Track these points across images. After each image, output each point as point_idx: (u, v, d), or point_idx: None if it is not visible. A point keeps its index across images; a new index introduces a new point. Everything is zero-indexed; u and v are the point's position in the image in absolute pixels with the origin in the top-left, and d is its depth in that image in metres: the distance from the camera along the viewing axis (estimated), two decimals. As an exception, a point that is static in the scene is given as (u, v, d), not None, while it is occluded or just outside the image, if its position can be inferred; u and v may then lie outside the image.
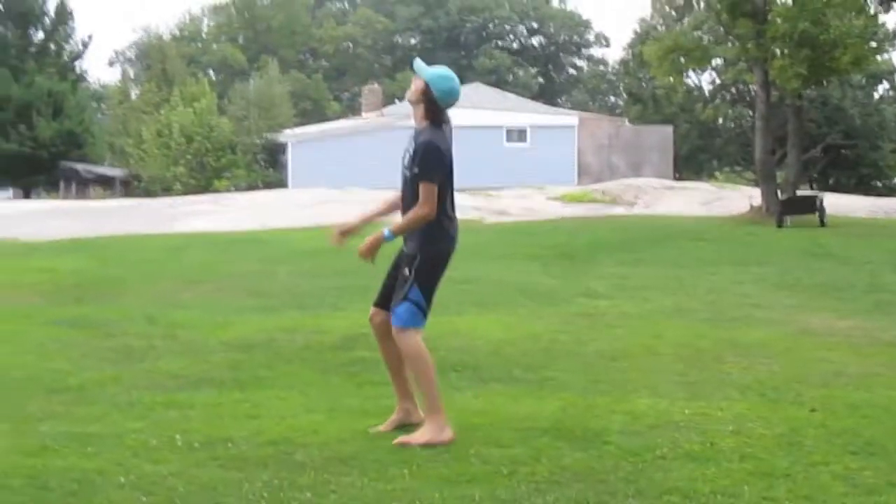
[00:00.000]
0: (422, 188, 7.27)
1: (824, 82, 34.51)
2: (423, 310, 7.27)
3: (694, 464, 6.37)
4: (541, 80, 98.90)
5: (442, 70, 7.66)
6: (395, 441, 6.95)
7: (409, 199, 7.41)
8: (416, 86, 7.47)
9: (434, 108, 7.45)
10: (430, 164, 7.36)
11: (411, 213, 7.36)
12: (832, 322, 12.72)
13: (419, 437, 6.97)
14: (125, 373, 9.36)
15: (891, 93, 55.58)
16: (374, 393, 8.43)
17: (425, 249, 7.34)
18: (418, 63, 7.60)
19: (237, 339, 10.83)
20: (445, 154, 7.46)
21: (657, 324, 12.32)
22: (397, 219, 7.52)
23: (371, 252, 7.34)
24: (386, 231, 7.31)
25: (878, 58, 40.42)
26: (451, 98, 7.51)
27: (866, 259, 19.74)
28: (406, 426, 7.19)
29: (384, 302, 7.46)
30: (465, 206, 35.10)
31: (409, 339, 7.19)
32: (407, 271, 7.28)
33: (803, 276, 17.33)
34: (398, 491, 5.82)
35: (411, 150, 7.44)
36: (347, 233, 7.74)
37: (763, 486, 5.94)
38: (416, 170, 7.34)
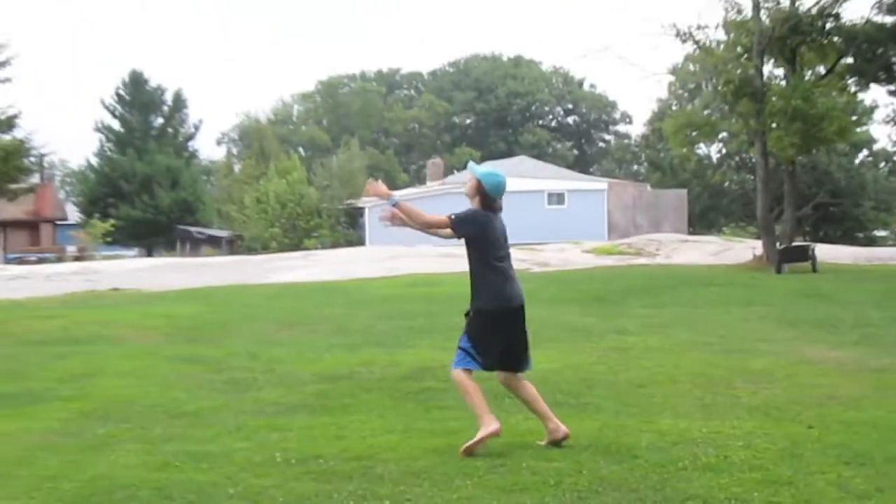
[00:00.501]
0: (449, 217, 7.64)
1: (814, 151, 34.26)
2: (471, 355, 7.49)
3: (711, 474, 6.38)
4: (575, 151, 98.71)
5: (491, 169, 8.02)
6: (461, 450, 7.12)
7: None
8: (471, 183, 7.79)
9: (487, 199, 7.71)
10: (463, 217, 7.67)
11: (428, 217, 7.82)
12: (825, 352, 12.62)
13: (476, 438, 7.20)
14: (233, 401, 9.45)
15: (869, 159, 55.20)
16: (441, 416, 8.49)
17: (473, 306, 7.72)
18: (471, 164, 8.02)
19: (325, 372, 10.88)
20: (484, 222, 7.67)
21: (677, 356, 12.26)
22: (417, 209, 7.87)
23: (374, 188, 7.83)
24: (396, 197, 7.88)
25: (859, 129, 40.16)
26: (499, 191, 7.77)
27: (853, 299, 19.54)
28: (557, 441, 7.35)
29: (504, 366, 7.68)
30: (515, 257, 35.04)
31: (455, 374, 7.55)
32: (469, 318, 7.71)
33: (800, 314, 17.17)
34: (462, 499, 5.88)
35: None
36: (382, 190, 7.82)
37: (769, 493, 5.97)
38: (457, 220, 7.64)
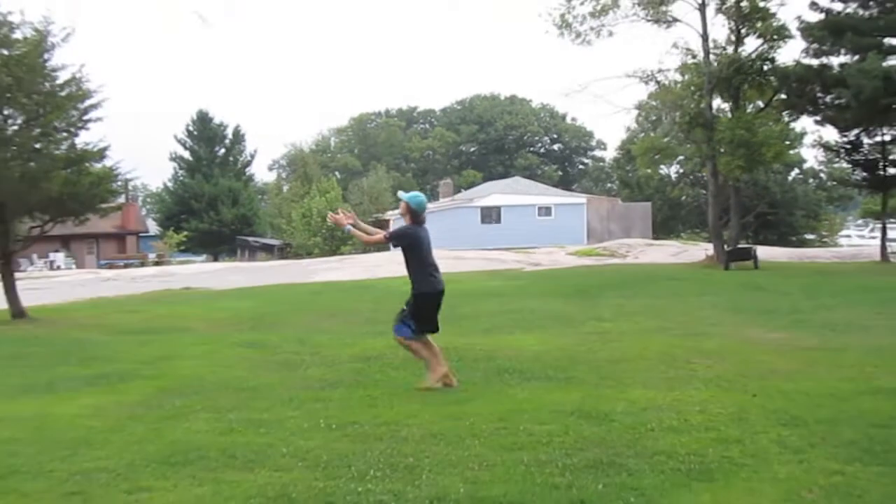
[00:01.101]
0: (385, 234, 8.96)
1: (755, 170, 34.18)
2: (407, 325, 8.59)
3: (673, 434, 6.39)
4: (560, 172, 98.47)
5: (414, 193, 8.98)
6: (421, 387, 8.46)
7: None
8: (402, 207, 8.82)
9: (414, 215, 8.71)
10: (397, 234, 8.91)
11: (370, 238, 8.97)
12: (765, 334, 12.59)
13: (425, 383, 8.50)
14: (285, 378, 9.46)
15: (800, 176, 55.09)
16: (452, 389, 8.47)
17: (415, 292, 8.67)
18: (400, 193, 8.98)
19: (359, 354, 10.86)
20: (414, 237, 8.67)
21: (645, 338, 12.24)
22: (364, 230, 9.07)
23: (334, 219, 9.08)
24: (349, 227, 8.91)
25: (791, 152, 40.13)
26: (422, 207, 8.78)
27: (786, 290, 19.51)
28: (450, 384, 8.55)
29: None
30: (510, 259, 35.35)
31: (399, 340, 8.75)
32: (406, 306, 8.68)
33: (744, 303, 17.14)
34: (472, 456, 5.88)
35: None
36: (340, 220, 8.97)
37: (721, 449, 5.97)
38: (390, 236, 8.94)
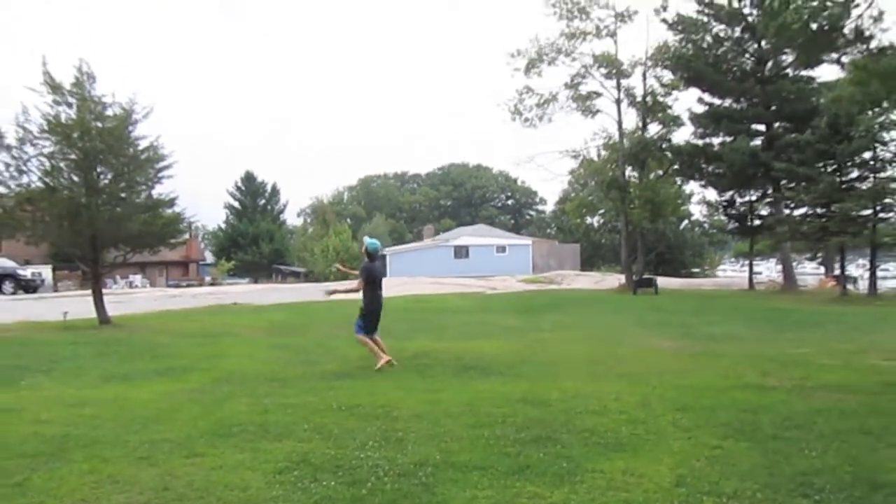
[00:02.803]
0: (358, 281, 9.60)
1: (657, 221, 34.52)
2: (363, 328, 9.59)
3: (596, 416, 6.37)
4: (513, 221, 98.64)
5: (369, 239, 9.95)
6: (376, 367, 9.29)
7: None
8: (362, 248, 9.88)
9: (367, 254, 9.69)
10: (361, 272, 9.60)
11: (352, 286, 9.78)
12: (662, 342, 12.65)
13: (379, 364, 9.29)
14: (306, 371, 9.40)
15: (688, 225, 55.59)
16: (432, 381, 8.48)
17: (364, 305, 9.63)
18: (364, 238, 10.05)
19: (363, 354, 10.79)
20: (369, 270, 9.57)
21: (574, 345, 12.27)
22: (348, 288, 10.13)
23: (340, 268, 11.85)
24: (338, 296, 11.20)
25: (683, 208, 40.74)
26: (373, 249, 9.69)
27: (679, 309, 19.63)
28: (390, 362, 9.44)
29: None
30: (476, 285, 35.41)
31: (358, 337, 9.67)
32: (360, 311, 9.66)
33: (647, 319, 17.22)
34: (446, 431, 5.83)
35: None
36: (334, 291, 10.69)
37: (631, 428, 5.96)
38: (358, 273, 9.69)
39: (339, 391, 7.77)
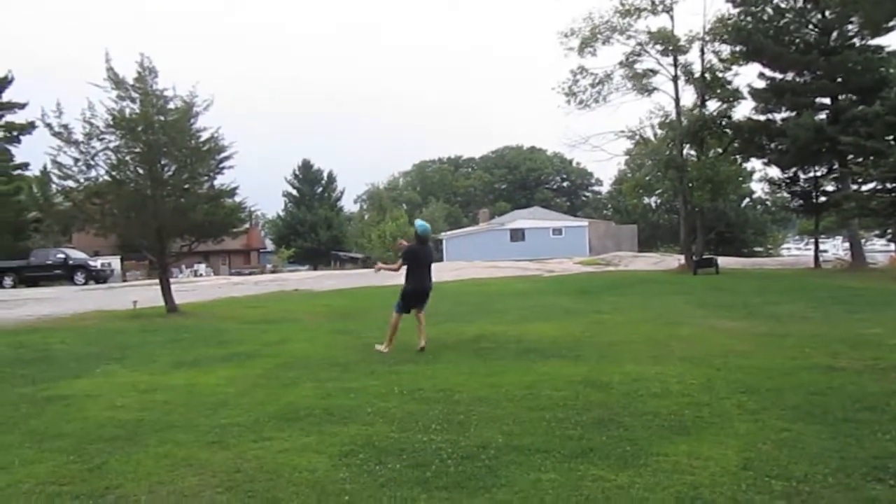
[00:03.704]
0: (398, 262, 9.90)
1: (716, 200, 33.69)
2: (402, 307, 9.82)
3: (658, 399, 6.30)
4: (568, 203, 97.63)
5: (420, 221, 10.35)
6: (376, 349, 9.76)
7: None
8: (413, 230, 10.10)
9: (417, 236, 9.94)
10: (404, 253, 9.83)
11: (394, 266, 10.27)
12: (725, 323, 12.36)
13: (385, 347, 9.73)
14: (367, 356, 9.49)
15: (750, 203, 54.09)
16: (493, 364, 8.45)
17: (405, 286, 9.87)
18: (416, 220, 10.44)
19: (414, 342, 10.89)
20: (414, 252, 9.80)
21: (634, 326, 12.08)
22: (390, 268, 10.67)
23: (381, 267, 11.16)
24: (380, 268, 11.07)
25: (744, 186, 39.65)
26: (423, 231, 9.99)
27: (741, 290, 19.14)
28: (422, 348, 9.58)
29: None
30: (532, 268, 35.21)
31: (393, 315, 9.90)
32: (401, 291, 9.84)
33: (708, 300, 16.85)
34: (507, 414, 5.86)
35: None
36: (380, 268, 11.02)
37: (695, 411, 5.87)
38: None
39: (400, 375, 7.85)
